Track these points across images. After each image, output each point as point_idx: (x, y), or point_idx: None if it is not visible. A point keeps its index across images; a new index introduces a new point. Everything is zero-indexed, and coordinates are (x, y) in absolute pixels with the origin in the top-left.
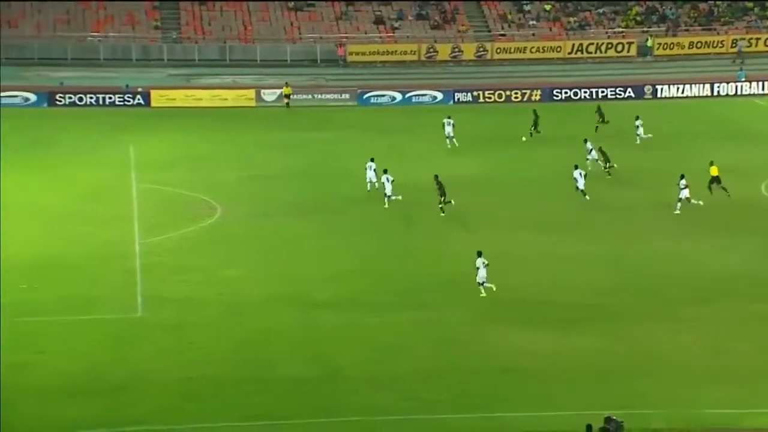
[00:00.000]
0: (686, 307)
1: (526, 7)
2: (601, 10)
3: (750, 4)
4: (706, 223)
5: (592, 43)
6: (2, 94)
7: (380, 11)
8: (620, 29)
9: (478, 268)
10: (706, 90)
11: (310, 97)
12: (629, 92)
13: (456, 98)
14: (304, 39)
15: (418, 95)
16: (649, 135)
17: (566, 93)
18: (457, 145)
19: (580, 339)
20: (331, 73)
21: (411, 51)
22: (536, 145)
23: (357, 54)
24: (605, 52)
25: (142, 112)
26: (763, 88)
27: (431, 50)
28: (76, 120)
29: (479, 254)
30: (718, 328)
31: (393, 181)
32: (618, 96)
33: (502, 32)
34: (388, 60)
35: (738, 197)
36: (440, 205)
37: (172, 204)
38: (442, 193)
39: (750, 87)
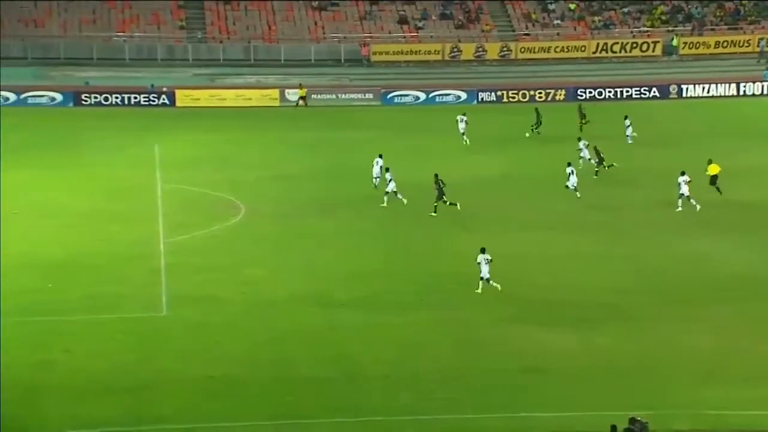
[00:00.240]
0: (707, 308)
1: (551, 7)
2: (626, 10)
3: None
4: (726, 223)
5: (617, 43)
6: (29, 93)
7: (404, 11)
8: (645, 28)
9: (479, 264)
10: (732, 89)
11: (333, 96)
12: (654, 92)
13: (480, 98)
14: (328, 39)
15: (442, 95)
16: (635, 134)
17: (591, 93)
18: (468, 143)
19: (601, 339)
20: (354, 73)
21: (435, 51)
22: (558, 144)
23: (381, 54)
24: (630, 51)
25: (167, 112)
26: None
27: (455, 50)
28: (102, 120)
29: (482, 251)
30: (739, 329)
31: (391, 180)
32: (643, 96)
33: (527, 32)
34: (412, 60)
35: (763, 197)
36: (435, 204)
37: (196, 203)
38: (441, 194)
39: None
